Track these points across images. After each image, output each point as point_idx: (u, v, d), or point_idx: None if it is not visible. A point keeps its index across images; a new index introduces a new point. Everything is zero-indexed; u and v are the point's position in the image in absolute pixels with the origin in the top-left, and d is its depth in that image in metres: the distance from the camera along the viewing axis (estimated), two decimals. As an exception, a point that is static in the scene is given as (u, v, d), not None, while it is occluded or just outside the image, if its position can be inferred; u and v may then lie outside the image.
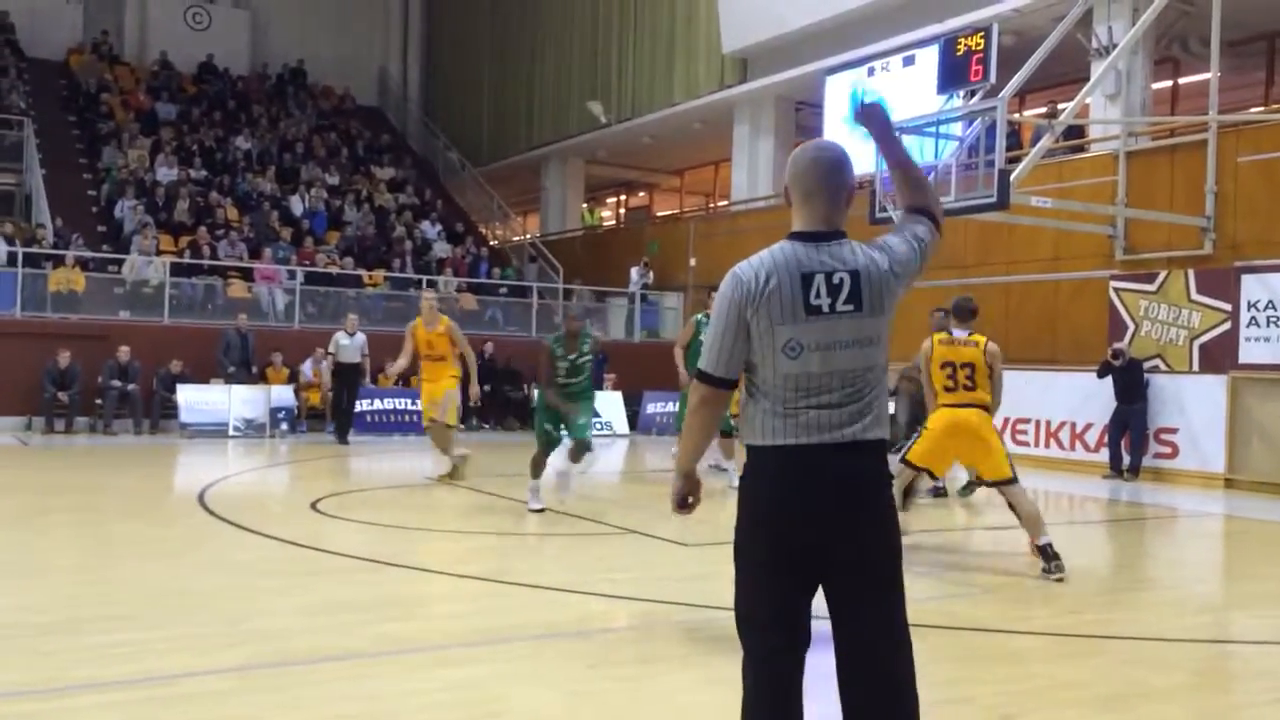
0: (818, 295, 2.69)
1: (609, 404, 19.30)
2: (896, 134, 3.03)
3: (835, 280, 2.70)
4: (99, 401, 16.58)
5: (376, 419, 17.61)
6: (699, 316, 11.18)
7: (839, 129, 18.99)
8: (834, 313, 2.69)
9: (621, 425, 19.09)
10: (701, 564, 7.10)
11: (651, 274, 22.63)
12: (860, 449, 2.73)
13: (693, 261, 21.56)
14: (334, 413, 16.56)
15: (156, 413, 16.80)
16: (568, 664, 4.75)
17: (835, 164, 2.81)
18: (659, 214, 31.23)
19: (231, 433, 16.51)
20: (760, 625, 2.82)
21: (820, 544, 2.73)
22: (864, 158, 15.90)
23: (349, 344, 16.11)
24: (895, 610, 2.81)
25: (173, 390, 16.79)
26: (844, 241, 2.77)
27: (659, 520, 9.02)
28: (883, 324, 2.77)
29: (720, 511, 9.85)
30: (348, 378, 16.24)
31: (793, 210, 2.83)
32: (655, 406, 19.37)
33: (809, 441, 2.71)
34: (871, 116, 2.93)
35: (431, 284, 21.39)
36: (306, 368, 18.04)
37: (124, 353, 16.56)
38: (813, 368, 2.70)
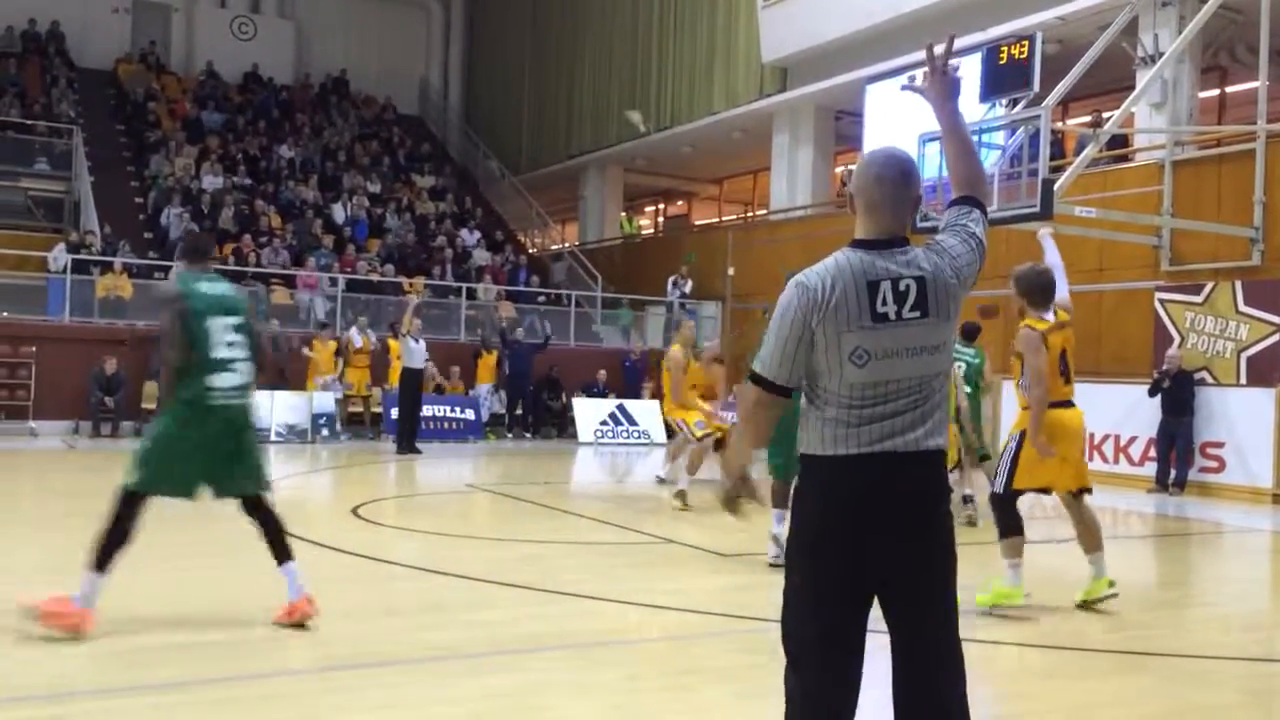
0: (884, 303, 2.67)
1: (647, 412, 19.32)
2: (957, 101, 3.01)
3: (902, 287, 2.68)
4: (145, 406, 16.82)
5: (431, 425, 17.74)
6: None
7: (879, 139, 18.92)
8: (900, 320, 2.67)
9: (659, 434, 19.08)
10: (739, 574, 7.07)
11: (690, 283, 22.63)
12: (923, 459, 2.71)
13: (731, 271, 21.51)
14: (398, 420, 16.12)
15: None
16: (607, 674, 4.75)
17: (904, 174, 2.79)
18: (697, 223, 31.22)
19: (273, 438, 16.68)
20: (812, 648, 2.73)
21: (884, 557, 2.69)
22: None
23: (415, 348, 15.59)
24: (954, 636, 2.78)
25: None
26: (908, 249, 2.75)
27: (697, 530, 9.01)
28: (949, 330, 2.75)
29: (758, 522, 9.81)
30: (412, 383, 15.81)
31: (857, 217, 2.81)
32: (693, 415, 19.34)
33: (873, 450, 2.67)
34: (948, 78, 2.95)
35: (471, 292, 21.53)
36: (354, 334, 18.09)
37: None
38: (880, 375, 2.68)
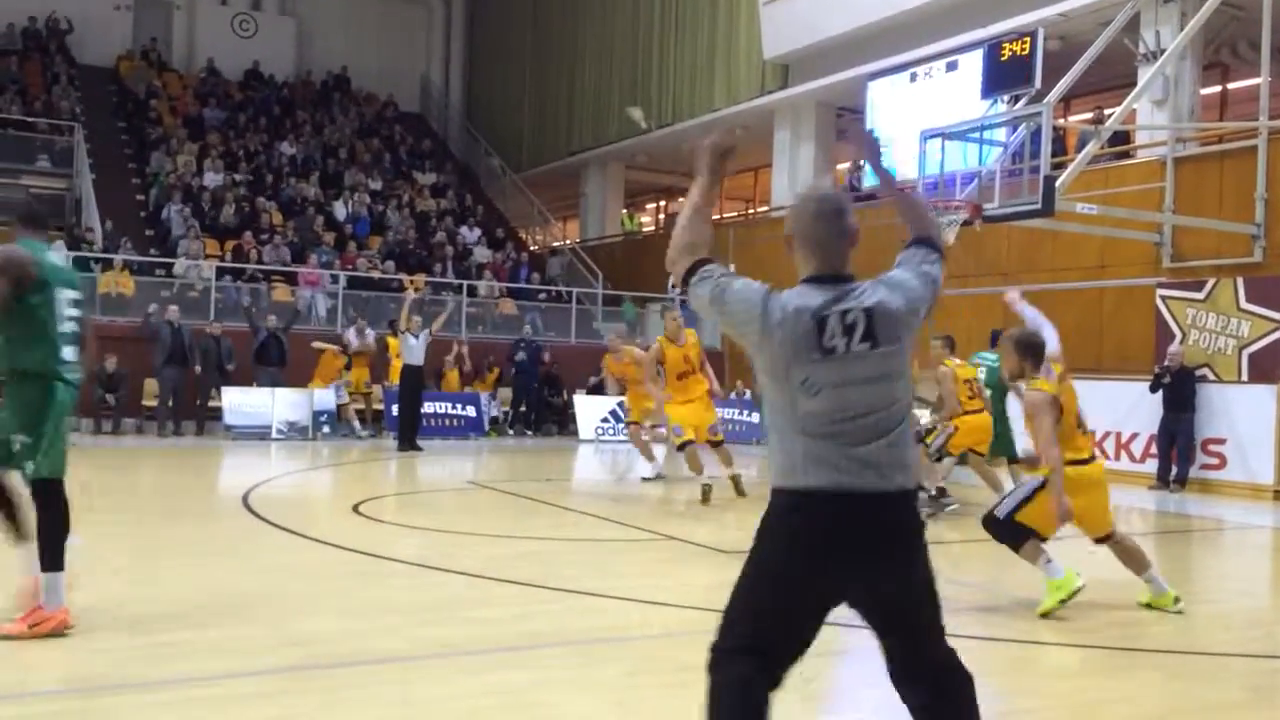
0: (832, 336, 2.73)
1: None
2: (886, 167, 3.14)
3: (849, 320, 2.74)
4: (145, 403, 16.84)
5: (433, 423, 17.74)
6: None
7: (882, 134, 18.91)
8: (849, 352, 2.73)
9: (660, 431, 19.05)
10: (738, 571, 7.06)
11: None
12: (891, 501, 2.75)
13: (732, 267, 21.46)
14: (399, 417, 16.09)
15: (203, 415, 17.03)
16: (608, 670, 4.75)
17: (838, 211, 2.87)
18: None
19: (274, 435, 16.69)
20: (745, 634, 2.83)
21: (847, 592, 2.79)
22: (906, 165, 15.81)
23: (416, 345, 15.44)
24: (942, 641, 2.87)
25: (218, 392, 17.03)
26: (854, 283, 2.83)
27: (698, 526, 9.01)
28: (901, 360, 2.80)
29: (756, 519, 9.82)
30: (412, 380, 15.72)
31: (798, 258, 2.89)
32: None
33: (833, 487, 2.71)
34: (869, 145, 3.09)
35: (472, 289, 21.54)
36: (352, 336, 18.08)
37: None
38: (832, 404, 2.72)
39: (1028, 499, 5.99)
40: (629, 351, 12.69)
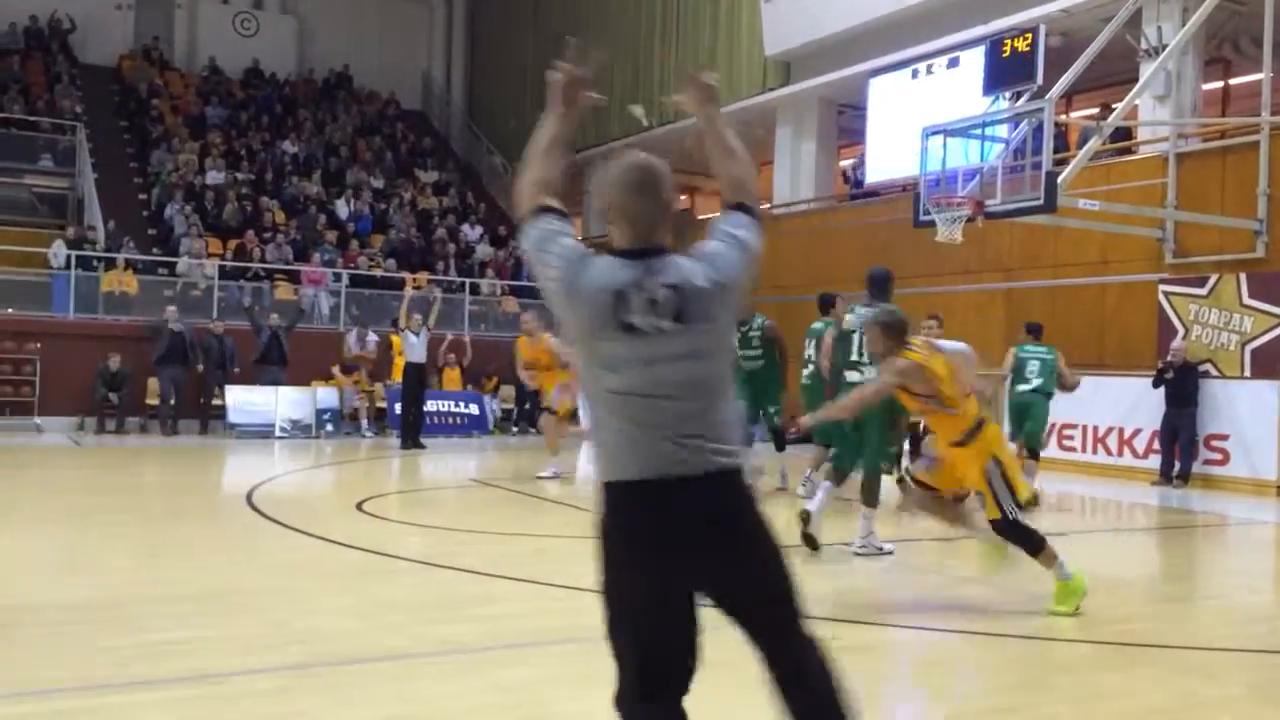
0: (635, 312, 2.57)
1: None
2: (716, 106, 2.90)
3: (655, 296, 2.58)
4: (148, 402, 16.88)
5: (436, 421, 17.75)
6: (819, 325, 10.52)
7: (884, 132, 18.91)
8: (655, 330, 2.57)
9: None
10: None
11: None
12: (713, 481, 2.61)
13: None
14: (401, 415, 16.08)
15: (206, 413, 17.06)
16: (613, 667, 4.76)
17: (649, 184, 2.71)
18: (700, 217, 31.18)
19: (278, 434, 16.72)
20: (634, 667, 2.72)
21: (697, 585, 2.68)
22: (907, 162, 15.82)
23: (416, 342, 15.34)
24: (797, 633, 2.76)
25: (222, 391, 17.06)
26: (664, 257, 2.65)
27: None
28: (713, 336, 2.65)
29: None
30: (416, 377, 15.63)
31: (611, 230, 2.74)
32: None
33: (653, 475, 2.58)
34: (697, 84, 2.87)
35: (475, 287, 21.56)
36: (352, 340, 18.07)
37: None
38: (637, 382, 2.59)
39: (1007, 483, 5.89)
40: (545, 339, 12.10)
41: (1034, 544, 5.90)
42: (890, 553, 7.48)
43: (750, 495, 2.70)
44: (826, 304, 10.56)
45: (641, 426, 2.59)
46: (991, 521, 5.96)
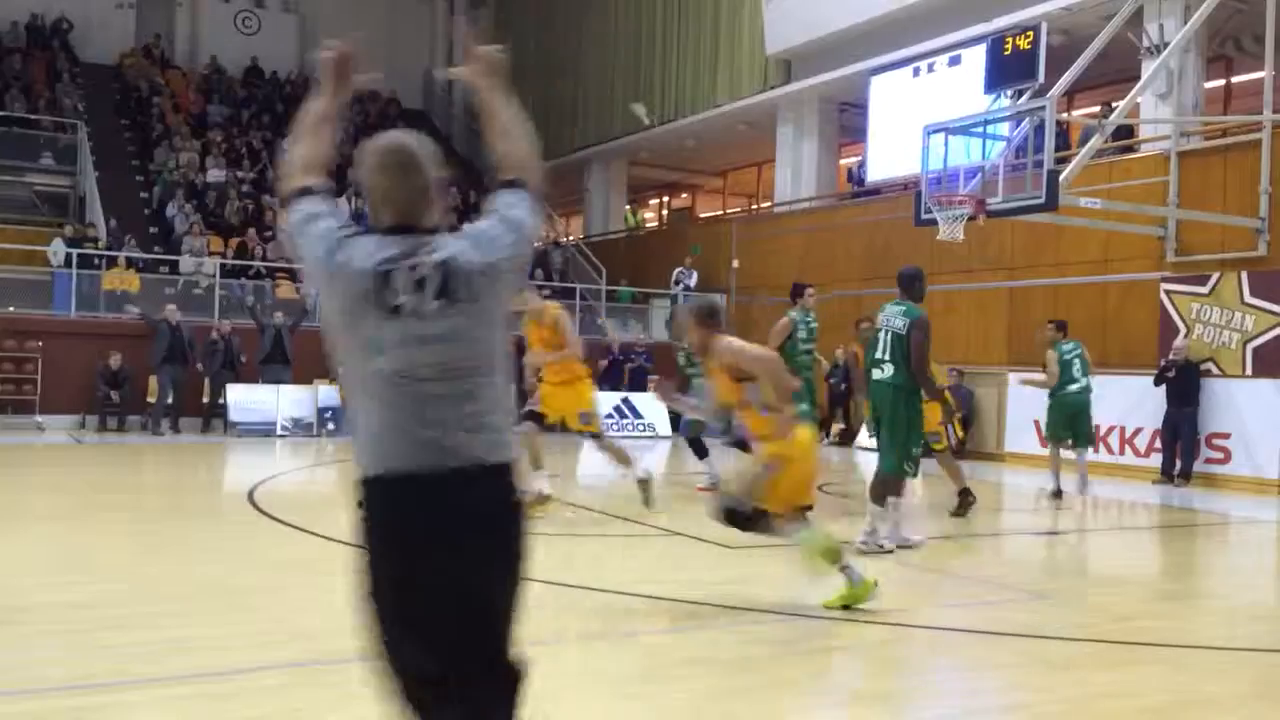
0: (398, 293, 2.45)
1: (651, 406, 19.33)
2: (497, 79, 2.81)
3: (419, 275, 2.46)
4: (150, 400, 16.88)
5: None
6: (796, 313, 10.35)
7: (885, 130, 18.90)
8: (419, 310, 2.45)
9: (664, 427, 19.09)
10: (745, 566, 7.08)
11: (695, 275, 22.64)
12: (462, 479, 2.47)
13: (735, 263, 21.52)
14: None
15: (209, 412, 17.07)
16: (616, 666, 4.76)
17: (400, 162, 2.60)
18: (702, 215, 31.20)
19: (279, 432, 16.72)
20: (408, 677, 2.57)
21: (453, 578, 2.51)
22: (909, 160, 15.82)
23: None
24: (501, 657, 2.63)
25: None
26: (429, 236, 2.55)
27: (703, 522, 9.01)
28: (483, 319, 2.53)
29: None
30: None
31: (370, 211, 2.64)
32: (699, 408, 19.35)
33: (412, 468, 2.46)
34: (476, 55, 2.78)
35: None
36: None
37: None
38: (398, 365, 2.45)
39: (769, 486, 5.56)
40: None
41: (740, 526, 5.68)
42: (891, 551, 7.47)
43: (513, 494, 2.56)
44: (795, 293, 10.58)
45: (405, 413, 2.45)
46: (724, 500, 5.74)
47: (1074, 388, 10.99)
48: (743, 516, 5.65)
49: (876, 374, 7.70)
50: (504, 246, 2.59)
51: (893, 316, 7.67)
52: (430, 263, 2.48)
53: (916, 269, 8.01)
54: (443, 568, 2.47)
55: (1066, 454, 11.22)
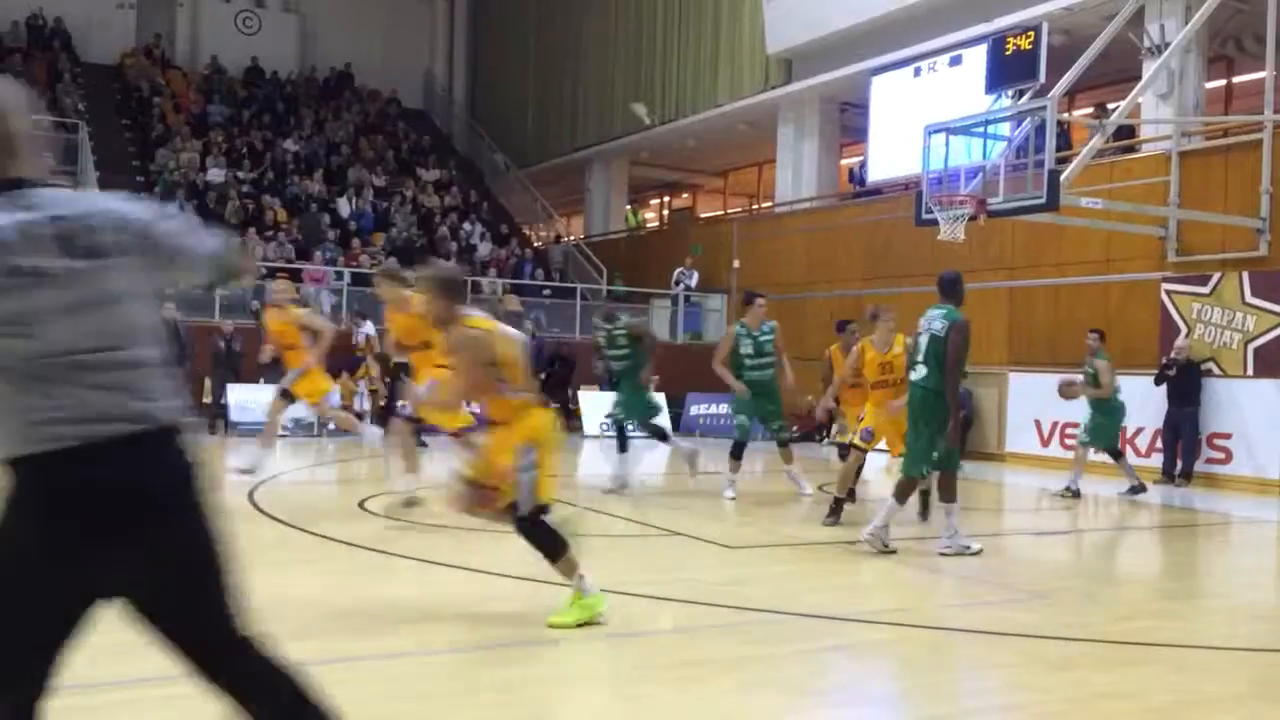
0: (19, 254, 2.20)
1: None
2: None
3: (35, 234, 2.23)
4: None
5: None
6: (738, 327, 10.36)
7: (886, 130, 18.89)
8: (51, 271, 2.22)
9: (665, 427, 19.03)
10: (746, 566, 7.08)
11: (696, 275, 22.64)
12: (142, 442, 2.30)
13: (736, 263, 21.51)
14: (385, 412, 16.17)
15: (211, 413, 17.06)
16: (614, 665, 4.76)
17: None
18: (702, 215, 31.20)
19: (280, 432, 16.68)
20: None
21: (106, 584, 2.38)
22: (909, 160, 15.81)
23: None
24: (234, 635, 2.51)
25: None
26: (34, 191, 2.31)
27: (703, 522, 9.02)
28: (124, 274, 2.31)
29: (763, 515, 9.83)
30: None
31: None
32: (699, 408, 19.35)
33: (73, 440, 2.22)
34: None
35: (476, 286, 21.54)
36: (370, 329, 17.83)
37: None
38: (45, 332, 2.22)
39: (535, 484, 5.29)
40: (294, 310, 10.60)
41: (553, 548, 5.35)
42: (894, 551, 7.47)
43: (190, 458, 2.41)
44: (745, 302, 10.65)
45: (52, 383, 2.22)
46: (515, 519, 5.38)
47: (1121, 396, 11.56)
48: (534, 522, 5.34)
49: (913, 375, 7.78)
50: (122, 207, 2.42)
51: (933, 319, 7.70)
52: (46, 217, 2.28)
53: (956, 273, 8.07)
54: (114, 555, 2.40)
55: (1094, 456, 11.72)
